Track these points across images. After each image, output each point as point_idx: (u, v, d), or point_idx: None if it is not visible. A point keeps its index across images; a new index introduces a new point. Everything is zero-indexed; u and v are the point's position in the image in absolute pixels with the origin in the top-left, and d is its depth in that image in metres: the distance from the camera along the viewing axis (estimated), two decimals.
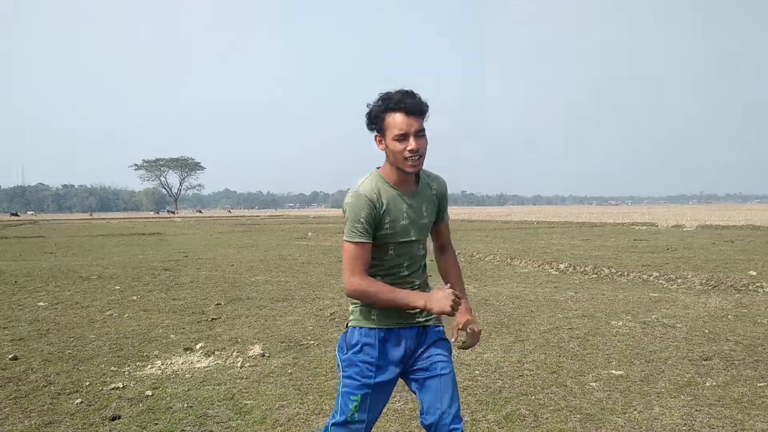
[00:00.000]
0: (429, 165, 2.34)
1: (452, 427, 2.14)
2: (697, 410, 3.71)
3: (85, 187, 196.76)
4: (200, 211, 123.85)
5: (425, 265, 2.36)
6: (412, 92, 2.14)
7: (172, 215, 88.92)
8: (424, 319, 2.28)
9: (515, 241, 19.01)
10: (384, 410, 3.76)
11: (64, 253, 16.81)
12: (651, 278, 9.59)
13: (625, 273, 10.19)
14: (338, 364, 2.29)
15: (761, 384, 4.18)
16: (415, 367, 2.26)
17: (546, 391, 4.11)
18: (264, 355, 5.12)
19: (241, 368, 4.77)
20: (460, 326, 2.27)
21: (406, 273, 2.27)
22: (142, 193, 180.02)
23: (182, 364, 4.90)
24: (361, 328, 2.25)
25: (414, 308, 2.16)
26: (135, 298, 8.29)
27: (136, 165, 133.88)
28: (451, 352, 2.31)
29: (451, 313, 2.09)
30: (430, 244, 2.46)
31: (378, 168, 2.27)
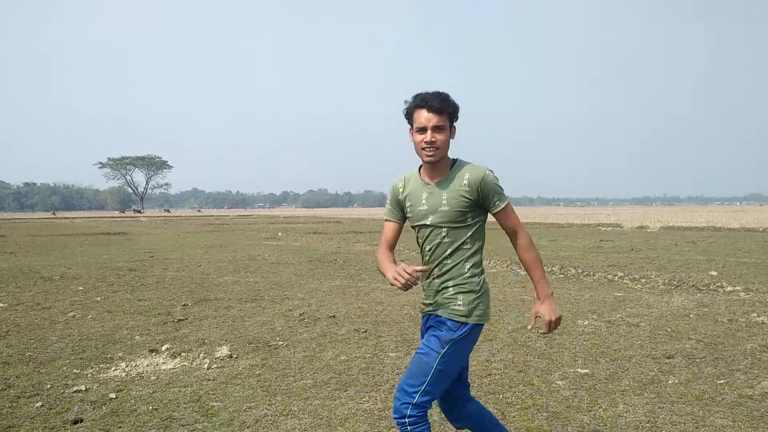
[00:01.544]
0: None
1: (398, 395, 2.44)
2: (660, 407, 3.79)
3: (48, 185, 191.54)
4: (168, 211, 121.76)
5: (461, 260, 2.50)
6: (439, 94, 2.47)
7: (138, 214, 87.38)
8: (434, 308, 2.55)
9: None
10: (353, 410, 3.76)
11: (26, 252, 16.36)
12: (616, 278, 9.77)
13: (591, 273, 10.37)
14: None
15: (721, 381, 4.29)
16: None
17: (513, 390, 4.15)
18: (232, 357, 5.06)
19: (208, 370, 4.70)
20: (533, 316, 2.57)
21: (428, 258, 2.56)
22: (107, 192, 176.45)
23: (147, 366, 4.81)
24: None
25: (385, 277, 2.44)
26: (99, 299, 8.11)
27: (101, 163, 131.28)
28: (437, 339, 2.47)
29: (402, 287, 2.31)
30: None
31: (420, 167, 2.62)
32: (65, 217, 70.66)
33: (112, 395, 4.08)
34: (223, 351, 5.14)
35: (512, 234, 2.57)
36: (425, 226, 2.53)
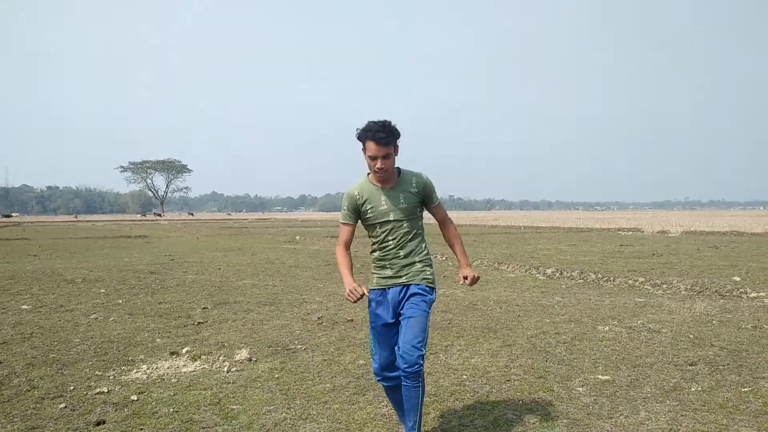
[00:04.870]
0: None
1: (411, 352, 3.01)
2: (682, 415, 3.74)
3: (70, 188, 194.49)
4: (192, 214, 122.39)
5: (418, 242, 3.24)
6: (385, 126, 3.03)
7: (158, 218, 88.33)
8: (406, 280, 3.19)
9: (502, 246, 19.09)
10: (372, 415, 3.76)
11: (49, 255, 16.63)
12: (637, 283, 9.66)
13: (612, 278, 10.26)
14: None
15: (745, 389, 4.22)
16: (401, 311, 3.17)
17: (533, 396, 4.12)
18: (251, 360, 5.09)
19: (227, 373, 4.73)
20: (458, 278, 3.24)
21: (392, 246, 3.20)
22: (128, 196, 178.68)
23: (168, 368, 4.86)
24: (370, 290, 3.27)
25: (343, 283, 3.13)
26: (120, 301, 8.21)
27: (122, 167, 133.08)
28: (425, 303, 3.15)
29: (353, 302, 3.02)
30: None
31: (368, 173, 3.24)
32: (87, 221, 71.68)
33: (134, 397, 4.13)
34: (243, 354, 5.18)
35: (442, 220, 3.37)
36: (388, 221, 3.18)
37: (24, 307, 7.77)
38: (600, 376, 4.55)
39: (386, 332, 3.21)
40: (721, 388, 4.26)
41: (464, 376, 4.59)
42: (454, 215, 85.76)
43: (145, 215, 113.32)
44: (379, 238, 3.21)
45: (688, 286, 9.12)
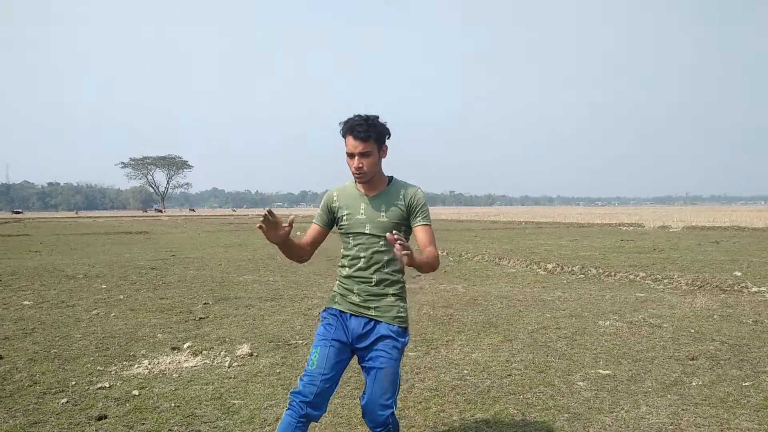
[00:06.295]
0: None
1: (379, 412, 2.60)
2: (683, 409, 3.74)
3: (71, 185, 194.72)
4: (193, 210, 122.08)
5: (395, 268, 2.67)
6: (365, 120, 2.57)
7: (159, 214, 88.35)
8: (375, 314, 2.65)
9: (503, 241, 19.08)
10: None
11: (50, 251, 16.64)
12: (638, 278, 9.66)
13: (612, 273, 10.26)
14: None
15: (746, 383, 4.22)
16: (366, 355, 2.67)
17: (534, 391, 4.13)
18: (252, 355, 5.10)
19: (229, 368, 4.74)
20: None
21: (362, 266, 2.66)
22: (129, 192, 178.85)
23: (169, 363, 4.87)
24: (327, 308, 2.81)
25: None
26: (122, 297, 8.22)
27: (122, 163, 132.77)
28: (397, 349, 2.64)
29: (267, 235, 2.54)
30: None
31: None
32: (88, 217, 71.71)
33: (136, 392, 4.13)
34: (244, 349, 5.18)
35: (423, 247, 2.66)
36: (362, 233, 2.67)
37: (26, 302, 7.78)
38: (601, 371, 4.56)
39: (333, 353, 2.67)
40: (722, 382, 4.26)
41: (465, 371, 4.59)
42: (455, 211, 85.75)
43: (146, 211, 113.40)
44: (350, 252, 2.72)
45: (689, 281, 9.12)
